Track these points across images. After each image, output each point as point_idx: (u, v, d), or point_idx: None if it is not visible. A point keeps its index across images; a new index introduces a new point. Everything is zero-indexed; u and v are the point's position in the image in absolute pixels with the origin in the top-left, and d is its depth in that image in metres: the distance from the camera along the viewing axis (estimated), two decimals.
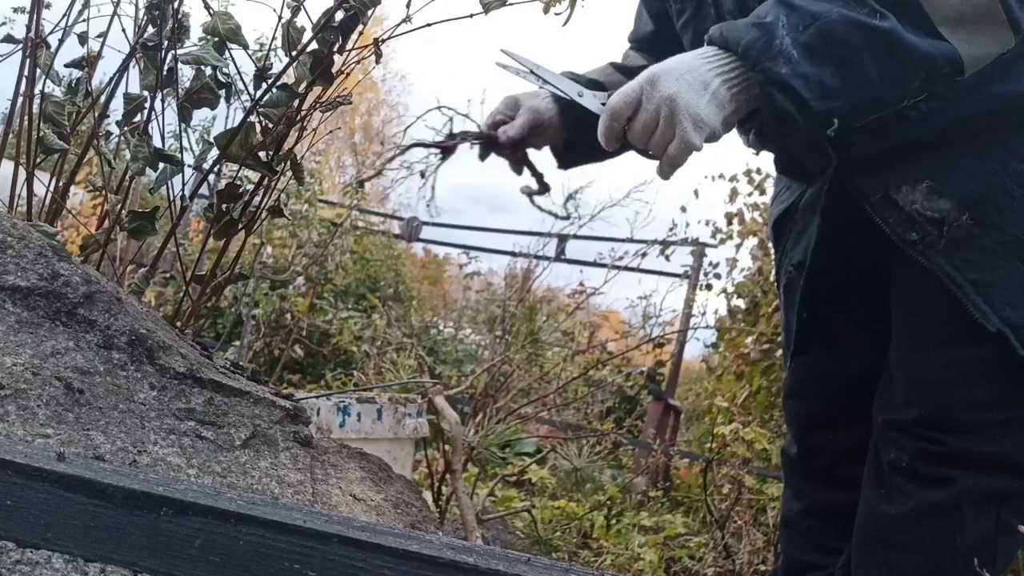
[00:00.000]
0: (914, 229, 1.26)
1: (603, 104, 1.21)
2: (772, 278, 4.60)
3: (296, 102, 1.40)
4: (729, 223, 5.26)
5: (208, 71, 1.37)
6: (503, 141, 1.42)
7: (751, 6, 1.29)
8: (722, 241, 5.36)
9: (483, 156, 1.47)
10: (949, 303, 1.24)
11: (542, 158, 1.50)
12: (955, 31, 1.08)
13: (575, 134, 1.45)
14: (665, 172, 1.17)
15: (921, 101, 1.19)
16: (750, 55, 1.08)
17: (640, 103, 1.14)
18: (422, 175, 1.41)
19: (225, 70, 1.38)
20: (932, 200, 1.24)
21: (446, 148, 1.41)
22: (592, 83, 1.49)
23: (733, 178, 5.22)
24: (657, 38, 1.58)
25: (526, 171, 1.48)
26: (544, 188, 1.48)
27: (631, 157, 1.54)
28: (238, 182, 1.44)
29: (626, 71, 1.52)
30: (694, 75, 1.10)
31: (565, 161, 1.51)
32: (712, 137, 1.14)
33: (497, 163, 1.47)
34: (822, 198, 1.40)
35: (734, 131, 1.51)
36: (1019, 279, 1.22)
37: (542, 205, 1.56)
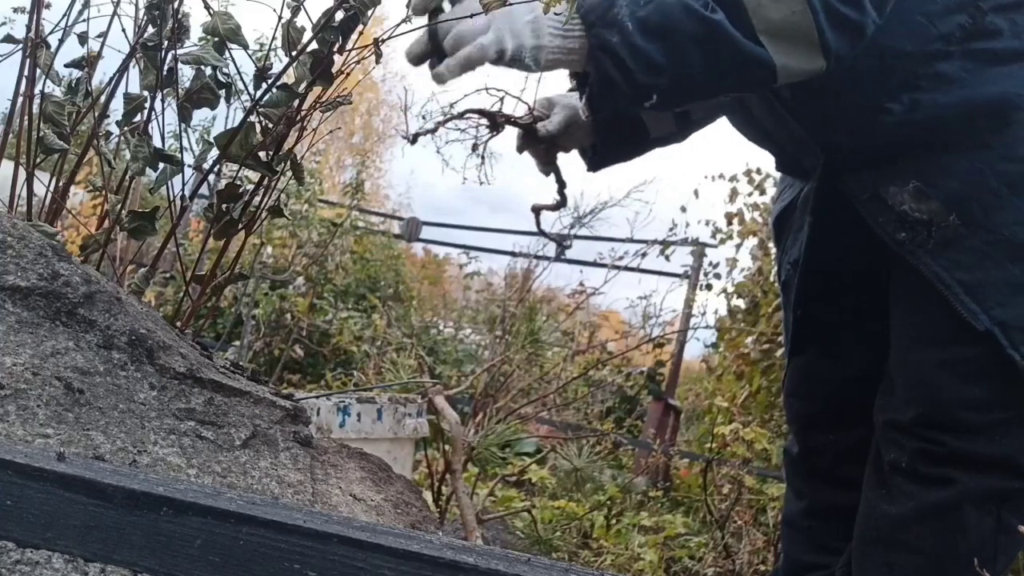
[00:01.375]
0: (903, 229, 1.27)
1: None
2: (772, 278, 4.60)
3: (296, 102, 1.40)
4: (729, 223, 5.26)
5: (208, 71, 1.37)
6: (542, 135, 1.43)
7: None
8: (722, 241, 5.36)
9: (520, 148, 1.48)
10: (942, 303, 1.24)
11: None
12: (773, 42, 1.14)
13: (605, 135, 1.46)
14: (449, 69, 1.19)
15: (904, 95, 1.23)
16: (588, 18, 1.13)
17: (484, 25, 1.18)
18: (474, 148, 1.41)
19: (225, 70, 1.38)
20: (920, 201, 1.25)
21: (496, 122, 1.40)
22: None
23: (733, 178, 5.22)
24: None
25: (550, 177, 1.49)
26: (563, 201, 1.48)
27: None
28: (238, 182, 1.44)
29: None
30: (524, 19, 1.15)
31: (594, 163, 1.52)
32: (517, 57, 1.17)
33: (498, 163, 1.47)
34: (811, 197, 1.40)
35: (734, 131, 1.52)
36: (1007, 279, 1.22)
37: (546, 229, 1.58)
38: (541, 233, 1.60)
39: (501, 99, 1.41)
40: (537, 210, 1.50)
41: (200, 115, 1.43)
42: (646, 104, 1.18)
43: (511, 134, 1.47)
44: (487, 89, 1.40)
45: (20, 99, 1.38)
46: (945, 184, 1.25)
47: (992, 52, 1.22)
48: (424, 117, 1.44)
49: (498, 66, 1.19)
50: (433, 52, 1.25)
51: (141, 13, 1.37)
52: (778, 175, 1.67)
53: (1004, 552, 1.26)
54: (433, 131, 1.41)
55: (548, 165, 1.45)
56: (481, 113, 1.41)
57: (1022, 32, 1.24)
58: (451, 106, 1.41)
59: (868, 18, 1.16)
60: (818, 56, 1.15)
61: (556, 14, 1.42)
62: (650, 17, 1.11)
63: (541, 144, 1.45)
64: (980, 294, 1.22)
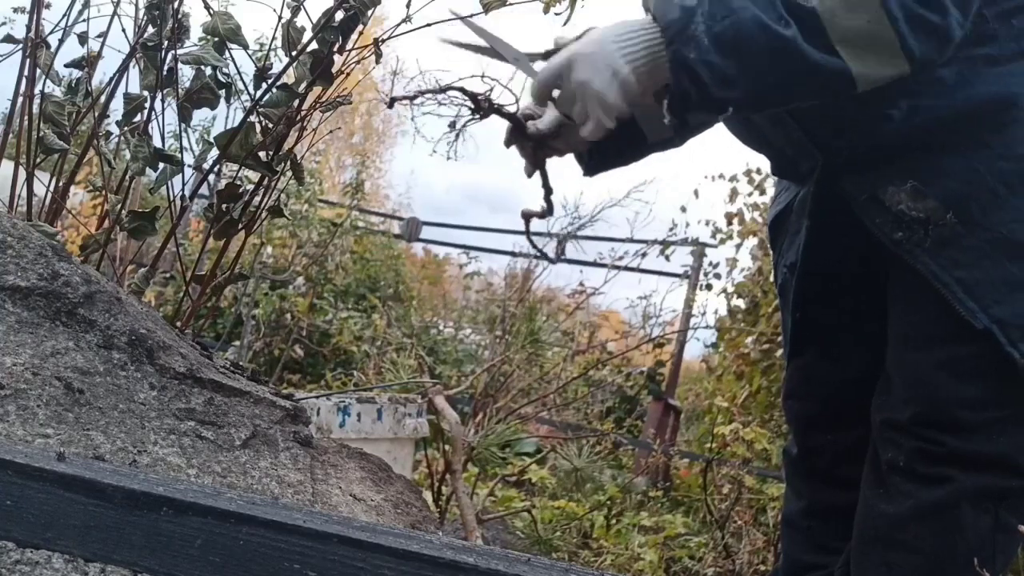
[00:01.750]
0: (900, 229, 1.27)
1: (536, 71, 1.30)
2: (772, 278, 4.59)
3: (296, 102, 1.40)
4: (729, 223, 5.26)
5: (208, 71, 1.37)
6: (531, 132, 1.41)
7: None
8: (722, 241, 5.36)
9: (508, 143, 1.46)
10: (940, 302, 1.24)
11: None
12: (850, 51, 1.14)
13: (602, 141, 1.45)
14: (587, 134, 1.28)
15: (902, 101, 1.23)
16: (667, 33, 1.16)
17: (561, 81, 1.25)
18: (451, 126, 1.40)
19: (225, 70, 1.38)
20: (917, 200, 1.25)
21: (481, 106, 1.39)
22: None
23: (733, 178, 5.22)
24: None
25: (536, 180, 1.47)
26: (549, 209, 1.46)
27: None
28: (238, 182, 1.45)
29: None
30: (606, 61, 1.20)
31: (590, 167, 1.51)
32: (623, 112, 1.25)
33: (498, 163, 1.46)
34: (808, 199, 1.41)
35: (732, 133, 1.52)
36: (1005, 277, 1.22)
37: (536, 241, 1.57)
38: (530, 242, 1.58)
39: (491, 88, 1.40)
40: (526, 216, 1.48)
41: (200, 115, 1.43)
42: (722, 115, 1.26)
43: (501, 125, 1.45)
44: (483, 77, 1.40)
45: (20, 99, 1.38)
46: (943, 183, 1.25)
47: (990, 56, 1.23)
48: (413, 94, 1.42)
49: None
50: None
51: (141, 13, 1.37)
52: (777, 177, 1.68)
53: (1002, 551, 1.26)
54: (412, 99, 1.40)
55: (533, 167, 1.43)
56: (464, 93, 1.39)
57: (1019, 34, 1.24)
58: (437, 81, 1.40)
59: (952, 20, 1.15)
60: (901, 61, 1.15)
61: (556, 14, 1.42)
62: (725, 33, 1.13)
63: (529, 142, 1.43)
64: (978, 292, 1.22)
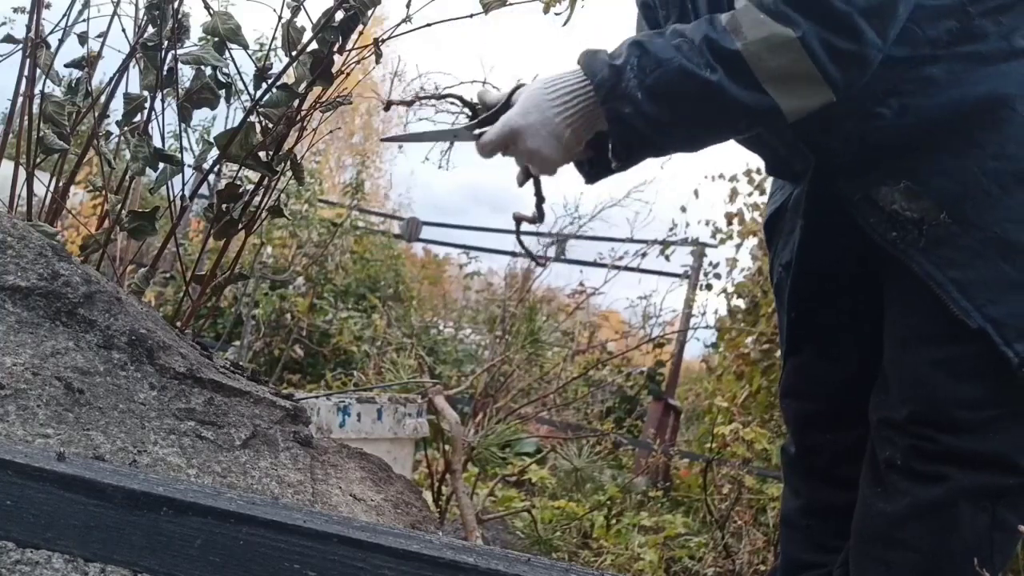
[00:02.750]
0: (894, 228, 1.27)
1: (476, 135, 1.38)
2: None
3: (296, 102, 1.40)
4: (729, 223, 5.26)
5: (208, 71, 1.37)
6: None
7: (724, 8, 1.31)
8: (722, 241, 5.36)
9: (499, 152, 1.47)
10: (934, 301, 1.25)
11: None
12: (777, 87, 1.19)
13: (599, 148, 1.46)
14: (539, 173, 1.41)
15: (892, 100, 1.26)
16: (600, 92, 1.24)
17: (507, 147, 1.35)
18: (452, 138, 1.43)
19: (225, 70, 1.38)
20: (910, 200, 1.26)
21: (476, 114, 1.41)
22: None
23: (733, 178, 5.22)
24: None
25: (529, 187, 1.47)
26: (539, 216, 1.48)
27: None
28: (238, 182, 1.45)
29: None
30: (547, 129, 1.29)
31: (591, 176, 1.52)
32: (566, 163, 1.37)
33: (499, 163, 1.46)
34: (803, 199, 1.41)
35: None
36: (999, 276, 1.22)
37: (527, 243, 1.59)
38: (520, 244, 1.58)
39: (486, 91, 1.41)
40: (517, 220, 1.49)
41: (200, 115, 1.43)
42: (665, 155, 1.36)
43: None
44: (484, 82, 1.41)
45: (20, 99, 1.38)
46: (936, 182, 1.25)
47: (979, 54, 1.23)
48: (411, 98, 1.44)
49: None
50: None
51: (141, 13, 1.37)
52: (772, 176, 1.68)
53: (1000, 549, 1.26)
54: (409, 103, 1.43)
55: (525, 176, 1.46)
56: (462, 101, 1.42)
57: (1008, 33, 1.24)
58: (436, 87, 1.43)
59: (869, 47, 1.18)
60: (826, 90, 1.19)
61: (556, 14, 1.42)
62: (656, 85, 1.20)
63: None
64: (972, 292, 1.22)
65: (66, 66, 1.41)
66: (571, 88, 1.29)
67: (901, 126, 1.25)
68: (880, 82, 1.24)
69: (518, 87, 1.36)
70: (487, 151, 1.36)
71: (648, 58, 1.21)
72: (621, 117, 1.23)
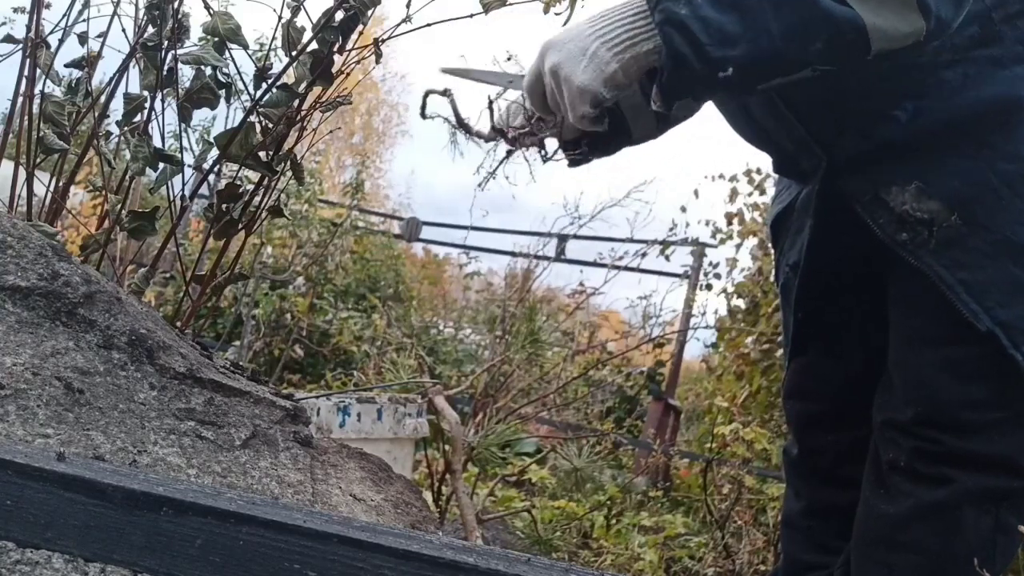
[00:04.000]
0: (904, 229, 1.27)
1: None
2: (772, 278, 4.59)
3: (296, 102, 1.40)
4: (729, 223, 5.26)
5: (208, 71, 1.37)
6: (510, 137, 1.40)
7: None
8: (722, 241, 5.36)
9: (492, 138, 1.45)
10: (942, 303, 1.24)
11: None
12: (863, 2, 1.05)
13: (589, 136, 1.44)
14: (577, 125, 1.20)
15: (907, 103, 1.21)
16: None
17: (540, 77, 1.18)
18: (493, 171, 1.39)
19: (225, 70, 1.38)
20: (921, 201, 1.25)
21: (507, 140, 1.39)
22: None
23: (733, 178, 5.22)
24: None
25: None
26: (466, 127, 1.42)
27: (629, 154, 1.53)
28: (238, 182, 1.45)
29: None
30: (575, 43, 1.12)
31: (575, 161, 1.50)
32: (601, 98, 1.14)
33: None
34: (813, 199, 1.40)
35: (732, 135, 1.52)
36: (1009, 278, 1.22)
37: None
38: (457, 119, 1.48)
39: (532, 118, 1.37)
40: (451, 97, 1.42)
41: (200, 115, 1.43)
42: (721, 83, 1.08)
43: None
44: (526, 111, 1.36)
45: (20, 99, 1.38)
46: (947, 184, 1.25)
47: (994, 57, 1.23)
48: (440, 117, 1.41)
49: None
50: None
51: (141, 13, 1.37)
52: (778, 175, 1.67)
53: (1003, 552, 1.26)
54: (489, 137, 1.37)
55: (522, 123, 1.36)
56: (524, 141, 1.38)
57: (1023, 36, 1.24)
58: (491, 102, 1.36)
59: None
60: (917, 17, 1.06)
61: (556, 14, 1.41)
62: None
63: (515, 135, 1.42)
64: (981, 294, 1.22)
65: (66, 66, 1.41)
66: (616, 9, 1.12)
67: (914, 128, 1.24)
68: (899, 85, 1.24)
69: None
70: (526, 85, 1.22)
71: None
72: (676, 18, 1.03)
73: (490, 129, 1.36)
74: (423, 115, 1.36)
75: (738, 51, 1.05)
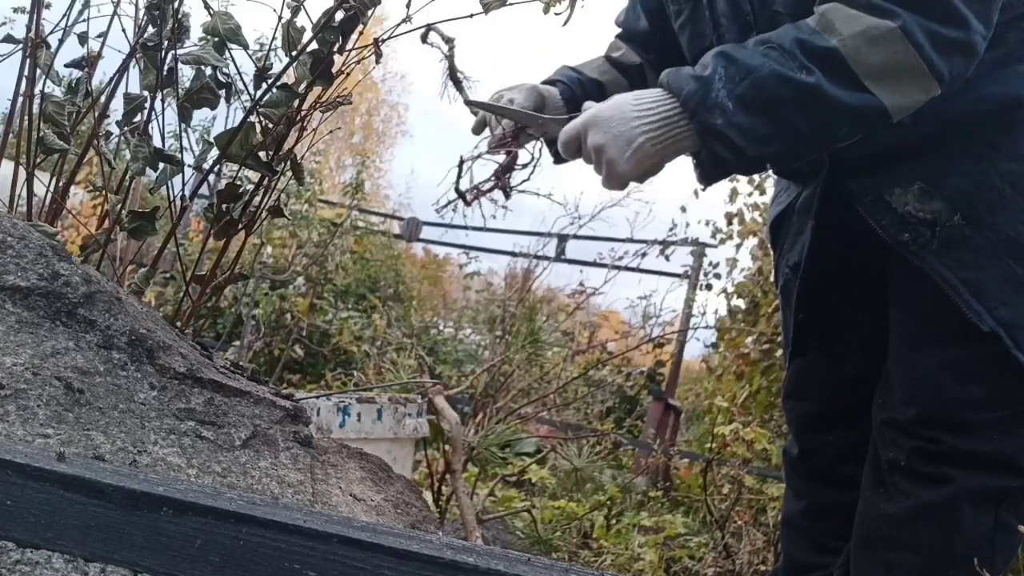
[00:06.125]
0: (907, 230, 1.27)
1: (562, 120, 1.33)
2: (772, 278, 4.58)
3: (296, 102, 1.40)
4: (729, 223, 5.26)
5: (208, 71, 1.37)
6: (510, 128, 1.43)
7: (743, 8, 1.30)
8: (722, 241, 5.36)
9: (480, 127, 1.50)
10: (944, 302, 1.24)
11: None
12: (880, 85, 1.13)
13: None
14: (606, 186, 1.30)
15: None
16: (688, 106, 1.17)
17: (580, 140, 1.26)
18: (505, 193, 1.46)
19: (225, 70, 1.38)
20: (924, 201, 1.25)
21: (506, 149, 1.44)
22: (592, 82, 1.52)
23: (733, 178, 5.21)
24: (651, 38, 1.59)
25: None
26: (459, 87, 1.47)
27: None
28: (238, 182, 1.45)
29: (622, 68, 1.59)
30: (622, 129, 1.21)
31: (559, 156, 1.51)
32: (631, 181, 1.26)
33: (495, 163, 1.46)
34: (815, 200, 1.40)
35: None
36: (1011, 278, 1.22)
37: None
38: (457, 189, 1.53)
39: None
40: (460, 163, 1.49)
41: (200, 115, 1.43)
42: (757, 169, 1.21)
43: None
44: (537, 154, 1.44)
45: (20, 99, 1.38)
46: (950, 184, 1.25)
47: (996, 59, 1.23)
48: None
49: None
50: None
51: (141, 13, 1.37)
52: (777, 176, 1.68)
53: (1002, 551, 1.26)
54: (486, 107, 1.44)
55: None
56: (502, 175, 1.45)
57: None
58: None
59: (975, 34, 1.14)
60: (932, 84, 1.14)
61: (556, 14, 1.42)
62: (747, 93, 1.13)
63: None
64: (984, 294, 1.22)
65: (66, 66, 1.41)
66: (656, 102, 1.20)
67: (917, 129, 1.24)
68: None
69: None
70: (563, 143, 1.29)
71: (736, 67, 1.14)
72: (712, 129, 1.15)
73: (453, 188, 1.45)
74: (424, 41, 1.41)
75: (773, 148, 1.17)
